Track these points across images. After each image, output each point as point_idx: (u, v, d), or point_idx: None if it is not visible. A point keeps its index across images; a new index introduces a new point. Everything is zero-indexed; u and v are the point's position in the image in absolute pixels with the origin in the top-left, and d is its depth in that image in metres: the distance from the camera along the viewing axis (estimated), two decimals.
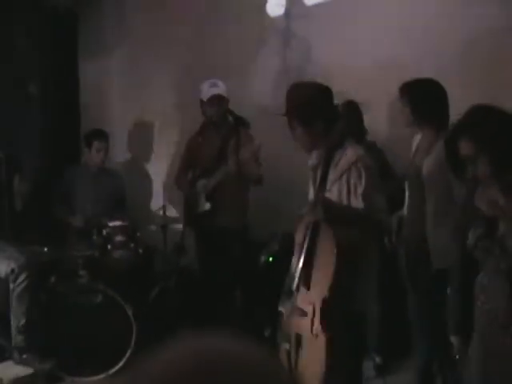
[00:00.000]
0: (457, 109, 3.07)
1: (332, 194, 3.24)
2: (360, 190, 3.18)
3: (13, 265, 4.00)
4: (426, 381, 3.94)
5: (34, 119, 5.76)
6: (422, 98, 3.71)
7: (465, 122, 2.63)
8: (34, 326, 4.16)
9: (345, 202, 3.22)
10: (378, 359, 4.65)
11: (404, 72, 4.55)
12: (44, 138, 5.89)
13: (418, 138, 3.88)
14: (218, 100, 4.87)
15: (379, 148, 4.60)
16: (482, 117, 2.63)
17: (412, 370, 4.07)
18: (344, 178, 3.21)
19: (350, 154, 3.24)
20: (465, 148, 2.57)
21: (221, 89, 4.90)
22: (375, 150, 4.45)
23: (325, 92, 3.33)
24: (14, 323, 4.09)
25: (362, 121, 4.59)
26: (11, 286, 4.01)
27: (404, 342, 4.20)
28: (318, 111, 3.27)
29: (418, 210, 3.72)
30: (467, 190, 2.91)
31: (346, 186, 3.21)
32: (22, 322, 4.07)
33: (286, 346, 3.38)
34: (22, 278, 4.00)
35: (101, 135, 5.40)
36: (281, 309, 3.40)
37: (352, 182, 3.19)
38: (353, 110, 4.43)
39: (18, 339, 4.09)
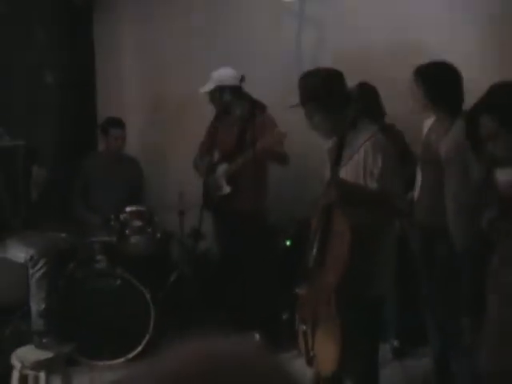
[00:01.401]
0: (472, 93, 3.11)
1: (348, 175, 3.25)
2: (376, 171, 3.19)
3: (32, 251, 4.02)
4: (441, 365, 3.97)
5: (50, 107, 5.81)
6: (436, 81, 3.72)
7: (486, 100, 2.64)
8: (54, 311, 4.19)
9: (361, 183, 3.23)
10: (395, 343, 4.69)
11: (419, 57, 4.59)
12: (60, 127, 5.92)
13: (429, 121, 3.88)
14: (219, 93, 5.01)
15: (398, 130, 4.60)
16: (504, 94, 2.64)
17: (429, 355, 4.10)
18: (360, 159, 3.22)
19: (364, 135, 3.26)
20: (486, 125, 2.58)
21: (213, 80, 4.99)
22: (394, 133, 4.45)
23: (337, 76, 3.35)
24: (33, 308, 4.12)
25: (378, 103, 4.59)
26: (30, 271, 4.04)
27: (422, 327, 4.25)
28: (333, 96, 3.28)
29: (434, 193, 3.72)
30: (485, 171, 2.93)
31: (362, 168, 3.22)
32: (42, 307, 4.09)
33: (303, 327, 3.43)
34: (40, 264, 4.02)
35: (117, 123, 5.46)
36: (297, 291, 3.45)
37: (368, 163, 3.20)
38: (366, 91, 4.44)
39: (37, 324, 4.12)
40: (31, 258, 4.01)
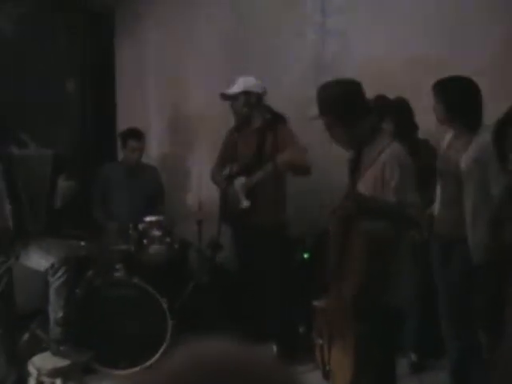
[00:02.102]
0: (492, 109, 3.11)
1: (366, 187, 3.27)
2: (393, 183, 3.22)
3: (52, 259, 4.07)
4: (458, 378, 3.96)
5: (71, 116, 5.87)
6: (456, 95, 3.72)
7: None
8: (72, 319, 4.23)
9: (379, 195, 3.25)
10: (413, 357, 4.68)
11: (442, 68, 4.56)
12: (80, 135, 5.98)
13: (449, 135, 3.90)
14: (228, 98, 4.96)
15: (431, 146, 4.57)
16: None
17: (448, 368, 4.07)
18: (378, 171, 3.25)
19: (387, 151, 3.28)
20: None
21: (239, 85, 4.94)
22: (427, 148, 4.46)
23: (355, 87, 3.36)
24: (52, 316, 4.16)
25: (411, 117, 4.60)
26: (50, 279, 4.09)
27: (440, 340, 4.24)
28: (351, 107, 3.30)
29: (454, 207, 3.74)
30: (507, 184, 2.93)
31: (380, 180, 3.25)
32: (60, 315, 4.14)
33: (320, 340, 3.45)
34: (60, 272, 4.07)
35: (136, 135, 5.48)
36: (315, 304, 3.46)
37: (386, 175, 3.23)
38: (400, 105, 4.48)
39: (55, 332, 4.16)
40: (52, 266, 4.05)
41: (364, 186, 3.29)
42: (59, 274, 4.06)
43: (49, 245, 4.18)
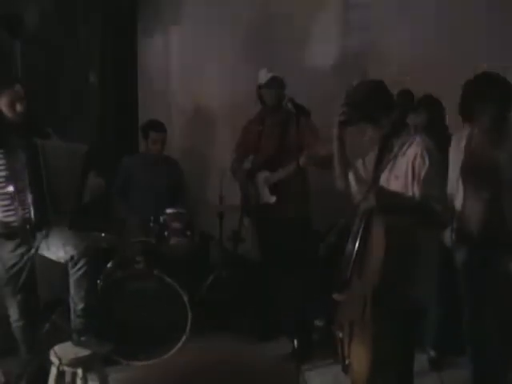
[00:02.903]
0: None
1: (400, 183, 3.29)
2: (421, 179, 3.22)
3: (72, 251, 4.09)
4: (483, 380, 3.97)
5: (92, 107, 5.90)
6: (484, 92, 3.73)
7: None
8: (92, 310, 4.24)
9: (410, 190, 3.26)
10: (432, 353, 4.68)
11: (470, 60, 4.59)
12: (102, 128, 6.03)
13: (465, 132, 3.88)
14: (276, 82, 4.92)
15: None
16: None
17: (467, 366, 4.08)
18: (410, 167, 3.25)
19: (416, 144, 3.28)
20: None
21: (278, 73, 4.95)
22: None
23: (381, 87, 3.40)
24: (72, 307, 4.19)
25: (442, 115, 4.60)
26: (70, 271, 4.11)
27: (461, 337, 4.24)
28: (381, 106, 3.34)
29: (488, 206, 3.73)
30: None
31: (411, 175, 3.25)
32: (81, 306, 4.16)
33: (340, 334, 3.47)
34: (80, 264, 4.08)
35: (157, 126, 5.49)
36: (335, 297, 3.48)
37: (416, 171, 3.23)
38: (430, 104, 4.48)
39: (76, 322, 4.19)
40: (71, 257, 4.08)
41: (390, 181, 3.31)
42: (79, 265, 4.08)
43: (69, 237, 4.20)
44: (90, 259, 4.14)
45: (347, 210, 3.63)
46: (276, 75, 4.92)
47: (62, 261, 4.14)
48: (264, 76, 4.97)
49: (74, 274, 4.12)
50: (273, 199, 4.92)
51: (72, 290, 4.16)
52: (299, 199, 4.80)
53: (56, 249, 4.15)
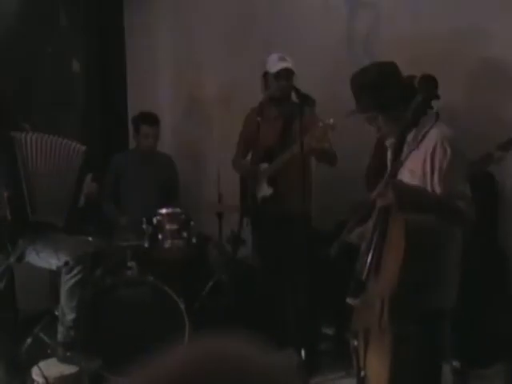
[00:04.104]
0: None
1: (412, 175, 3.14)
2: (442, 172, 3.06)
3: (66, 257, 4.03)
4: None
5: (76, 98, 5.77)
6: None
7: None
8: (81, 321, 4.18)
9: (429, 185, 3.10)
10: (455, 363, 4.50)
11: (484, 48, 4.42)
12: (88, 120, 5.90)
13: None
14: (287, 74, 4.74)
15: None
16: None
17: (499, 380, 3.96)
18: (428, 159, 3.09)
19: (434, 133, 3.13)
20: None
21: (290, 63, 4.78)
22: None
23: (390, 70, 3.25)
24: (61, 318, 4.13)
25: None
26: (64, 278, 4.05)
27: (491, 348, 4.07)
28: (390, 93, 3.19)
29: None
30: None
31: (430, 169, 3.09)
32: (71, 316, 4.10)
33: (354, 342, 3.31)
34: (76, 271, 4.03)
35: (149, 119, 5.36)
36: (349, 301, 3.30)
37: (436, 164, 3.07)
38: (428, 84, 4.28)
39: (64, 335, 4.12)
40: (66, 263, 4.01)
41: (408, 172, 3.15)
42: (74, 272, 4.04)
43: (62, 242, 4.16)
44: (85, 266, 4.12)
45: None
46: (289, 66, 4.75)
47: (54, 267, 4.09)
48: (275, 63, 4.79)
49: (67, 282, 4.07)
50: (269, 191, 4.80)
51: (63, 299, 4.11)
52: (299, 192, 4.60)
53: (47, 255, 4.08)
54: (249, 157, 5.12)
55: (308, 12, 5.57)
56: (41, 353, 4.15)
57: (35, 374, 3.82)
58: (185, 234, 4.95)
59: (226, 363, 0.80)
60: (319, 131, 4.42)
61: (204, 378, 0.77)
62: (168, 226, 4.91)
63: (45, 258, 4.08)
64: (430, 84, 4.02)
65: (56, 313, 4.41)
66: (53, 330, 4.15)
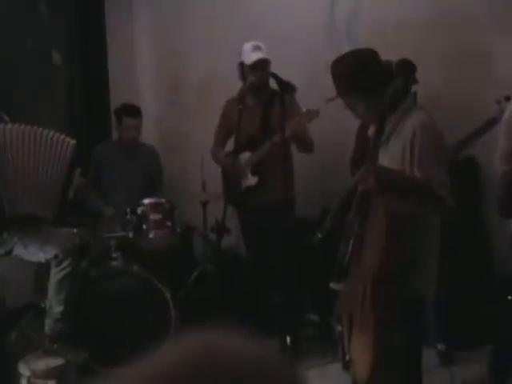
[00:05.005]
0: None
1: (392, 161, 3.16)
2: (423, 154, 3.07)
3: (56, 250, 4.03)
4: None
5: (58, 91, 5.73)
6: None
7: None
8: (68, 313, 4.17)
9: (408, 171, 3.12)
10: (440, 346, 4.55)
11: (464, 32, 4.44)
12: (70, 112, 5.87)
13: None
14: (263, 64, 4.74)
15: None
16: None
17: (484, 362, 3.94)
18: (406, 142, 3.11)
19: (413, 119, 3.15)
20: None
21: (265, 52, 4.78)
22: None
23: (370, 56, 3.27)
24: (50, 311, 4.12)
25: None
26: (53, 271, 4.04)
27: (474, 329, 4.11)
28: (370, 78, 3.20)
29: None
30: None
31: (409, 155, 3.11)
32: (59, 309, 4.10)
33: (339, 327, 3.37)
34: (65, 263, 4.03)
35: (131, 111, 5.34)
36: (333, 286, 3.34)
37: (416, 150, 3.09)
38: (406, 70, 4.29)
39: (51, 327, 4.12)
40: (56, 256, 4.01)
41: (388, 158, 3.17)
42: (64, 265, 4.03)
43: (48, 235, 4.16)
44: (75, 259, 4.12)
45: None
46: (264, 57, 4.74)
47: (43, 260, 4.08)
48: (249, 54, 4.78)
49: (56, 275, 4.05)
50: (254, 180, 4.79)
51: (51, 292, 4.10)
52: (282, 181, 4.61)
53: (35, 248, 4.08)
54: (228, 145, 5.12)
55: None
56: (27, 346, 4.15)
57: (22, 367, 3.81)
58: (169, 224, 4.93)
59: (218, 361, 0.79)
60: (303, 118, 4.44)
61: (197, 375, 0.77)
62: (152, 216, 4.89)
63: (33, 252, 4.07)
64: (407, 68, 4.05)
65: (42, 305, 4.42)
66: (38, 323, 4.13)
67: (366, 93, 3.21)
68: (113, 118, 5.61)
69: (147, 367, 0.80)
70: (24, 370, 3.80)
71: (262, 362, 0.82)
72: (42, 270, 4.43)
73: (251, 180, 4.84)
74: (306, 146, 4.73)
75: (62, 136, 4.27)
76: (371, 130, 3.37)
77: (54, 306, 4.09)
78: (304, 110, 4.58)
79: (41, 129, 4.19)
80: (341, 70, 3.25)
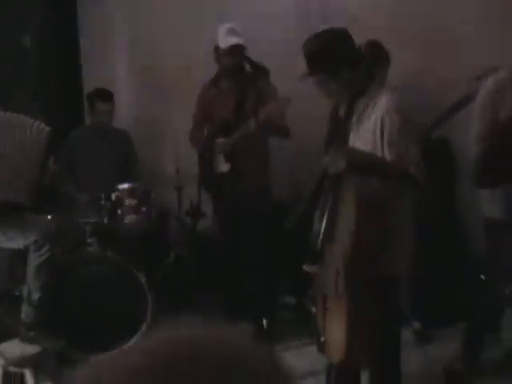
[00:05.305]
0: None
1: (364, 143, 3.15)
2: (393, 135, 3.07)
3: (34, 235, 4.02)
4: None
5: (28, 75, 5.67)
6: None
7: None
8: (44, 300, 4.15)
9: (379, 152, 3.12)
10: (416, 325, 4.57)
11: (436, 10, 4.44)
12: (41, 97, 5.80)
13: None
14: (237, 50, 4.69)
15: None
16: None
17: (458, 339, 4.00)
18: (376, 123, 3.11)
19: (383, 100, 3.14)
20: None
21: (240, 37, 4.72)
22: None
23: (342, 35, 3.24)
24: (26, 297, 4.10)
25: (387, 64, 4.43)
26: (32, 256, 4.03)
27: (449, 308, 4.12)
28: (342, 57, 3.18)
29: None
30: None
31: (379, 136, 3.10)
32: (37, 295, 4.09)
33: (313, 309, 3.36)
34: (44, 249, 4.02)
35: (104, 95, 5.31)
36: (306, 269, 3.33)
37: (386, 131, 3.08)
38: (375, 51, 4.30)
39: (28, 314, 4.10)
40: (35, 242, 4.00)
41: (359, 141, 3.16)
42: (43, 251, 4.02)
43: (26, 221, 4.15)
44: (54, 245, 4.11)
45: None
46: (239, 43, 4.67)
47: (21, 247, 4.08)
48: (224, 38, 4.72)
49: (34, 260, 4.05)
50: (227, 167, 4.76)
51: (29, 278, 4.09)
52: (257, 166, 4.59)
53: (14, 235, 4.07)
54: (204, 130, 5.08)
55: None
56: (2, 334, 4.10)
57: None
58: (144, 209, 4.91)
59: (182, 353, 0.79)
60: (275, 107, 4.41)
61: (164, 369, 0.76)
62: (127, 202, 4.87)
63: (12, 238, 4.06)
64: (376, 50, 4.06)
65: (17, 293, 4.40)
66: (13, 312, 4.10)
67: (335, 71, 3.17)
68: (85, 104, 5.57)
69: (118, 360, 0.80)
70: None
71: (245, 356, 0.81)
72: (16, 257, 4.41)
73: (224, 166, 4.81)
74: (281, 131, 4.71)
75: (37, 122, 4.25)
76: (342, 111, 3.36)
77: (31, 292, 4.08)
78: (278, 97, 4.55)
79: (15, 115, 4.17)
80: (311, 47, 3.23)
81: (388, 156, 3.09)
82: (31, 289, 4.08)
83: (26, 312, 4.11)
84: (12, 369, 3.75)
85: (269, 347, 0.84)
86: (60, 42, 6.01)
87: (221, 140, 4.79)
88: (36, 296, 4.08)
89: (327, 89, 3.26)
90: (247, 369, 0.78)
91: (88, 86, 5.84)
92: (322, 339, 3.28)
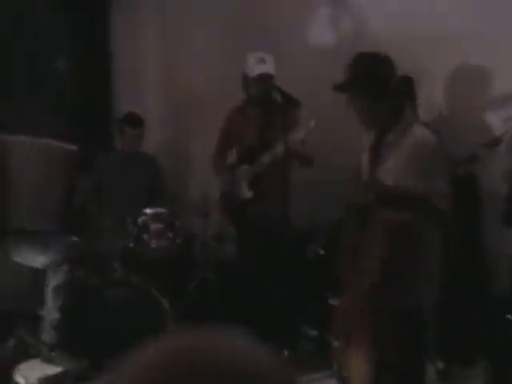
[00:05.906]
0: None
1: (391, 176, 3.16)
2: (420, 170, 3.09)
3: (54, 255, 4.04)
4: None
5: (61, 98, 5.73)
6: None
7: None
8: (66, 321, 4.16)
9: (408, 183, 3.13)
10: (440, 364, 4.52)
11: (473, 45, 4.45)
12: (73, 119, 5.84)
13: None
14: (266, 78, 4.70)
15: (434, 129, 4.44)
16: None
17: (481, 378, 3.99)
18: (407, 156, 3.12)
19: (415, 133, 3.17)
20: None
21: (269, 66, 4.74)
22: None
23: (389, 62, 3.26)
24: (46, 318, 4.11)
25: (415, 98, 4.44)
26: (50, 277, 4.05)
27: (473, 347, 4.07)
28: (384, 82, 3.20)
29: None
30: None
31: (406, 168, 3.12)
32: (56, 316, 4.09)
33: (336, 343, 3.35)
34: (63, 270, 4.05)
35: (134, 120, 5.34)
36: (331, 302, 3.33)
37: (416, 162, 3.11)
38: (411, 85, 4.31)
39: (49, 335, 4.11)
40: (54, 262, 4.02)
41: (387, 174, 3.17)
42: (61, 271, 4.05)
43: (48, 241, 4.14)
44: (73, 266, 4.13)
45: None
46: (267, 71, 4.69)
47: (40, 265, 4.10)
48: (254, 66, 4.77)
49: (53, 280, 4.06)
50: (249, 194, 4.78)
51: (49, 299, 4.09)
52: (280, 194, 4.60)
53: (31, 253, 4.09)
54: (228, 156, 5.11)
55: (292, 14, 5.58)
56: (25, 354, 4.13)
57: (17, 375, 3.81)
58: (170, 234, 4.93)
59: (199, 362, 0.78)
60: (301, 133, 4.42)
61: (176, 376, 0.77)
62: (153, 226, 4.89)
63: (30, 255, 4.08)
64: (408, 84, 4.08)
65: (40, 313, 4.41)
66: (35, 331, 4.11)
67: (375, 93, 3.19)
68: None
69: (131, 366, 0.81)
70: (20, 378, 3.80)
71: (249, 365, 0.80)
72: (39, 277, 4.43)
73: (246, 193, 4.83)
74: (306, 160, 4.71)
75: (63, 145, 4.28)
76: (364, 141, 3.37)
77: (51, 313, 4.09)
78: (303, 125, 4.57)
79: (43, 141, 4.22)
80: (361, 62, 3.25)
81: (416, 186, 3.09)
82: (50, 309, 4.09)
83: (45, 333, 4.12)
84: None
85: (269, 352, 0.83)
86: (93, 68, 6.06)
87: (245, 167, 4.80)
88: (55, 316, 4.09)
89: (358, 108, 3.25)
90: (246, 376, 0.78)
91: (119, 111, 5.92)
92: (344, 375, 3.27)
